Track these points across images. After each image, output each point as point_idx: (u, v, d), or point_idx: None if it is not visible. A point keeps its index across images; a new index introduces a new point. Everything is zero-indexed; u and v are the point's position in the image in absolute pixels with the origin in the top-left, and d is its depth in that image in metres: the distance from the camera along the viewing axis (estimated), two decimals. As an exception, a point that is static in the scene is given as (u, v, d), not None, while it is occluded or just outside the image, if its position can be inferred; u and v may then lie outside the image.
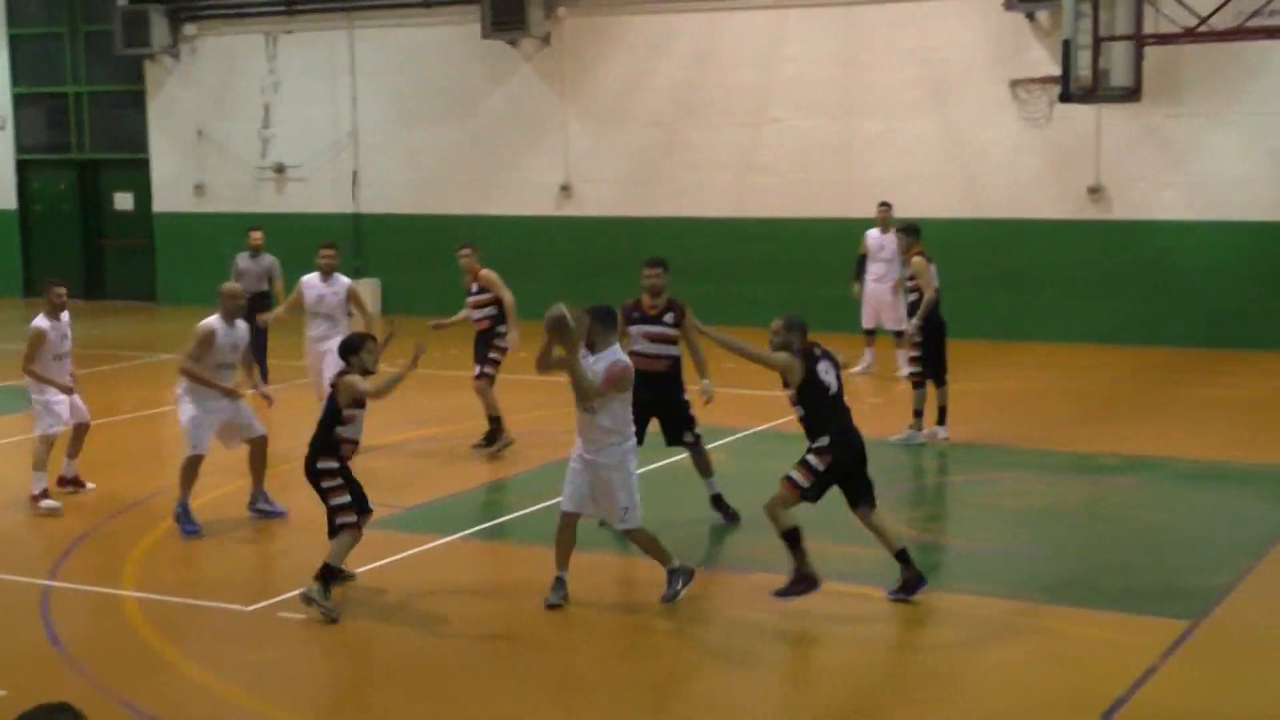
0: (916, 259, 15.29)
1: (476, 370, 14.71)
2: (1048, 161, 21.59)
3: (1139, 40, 16.65)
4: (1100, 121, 21.08)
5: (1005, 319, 22.05)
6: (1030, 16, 21.34)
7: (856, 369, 19.14)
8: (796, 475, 10.11)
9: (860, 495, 10.30)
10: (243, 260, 18.82)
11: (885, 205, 19.33)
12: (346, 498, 10.39)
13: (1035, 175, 21.76)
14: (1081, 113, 20.19)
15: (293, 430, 13.69)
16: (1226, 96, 20.59)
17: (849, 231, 21.81)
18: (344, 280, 14.87)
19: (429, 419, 16.35)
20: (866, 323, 19.29)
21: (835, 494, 13.99)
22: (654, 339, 12.02)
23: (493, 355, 14.71)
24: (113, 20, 27.30)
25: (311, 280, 14.92)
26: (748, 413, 16.79)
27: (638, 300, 12.19)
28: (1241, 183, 20.65)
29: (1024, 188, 21.86)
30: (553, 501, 12.26)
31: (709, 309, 22.73)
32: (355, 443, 10.53)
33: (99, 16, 28.31)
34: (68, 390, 13.19)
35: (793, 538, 10.11)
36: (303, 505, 11.86)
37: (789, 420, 16.23)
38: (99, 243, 29.47)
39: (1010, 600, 10.25)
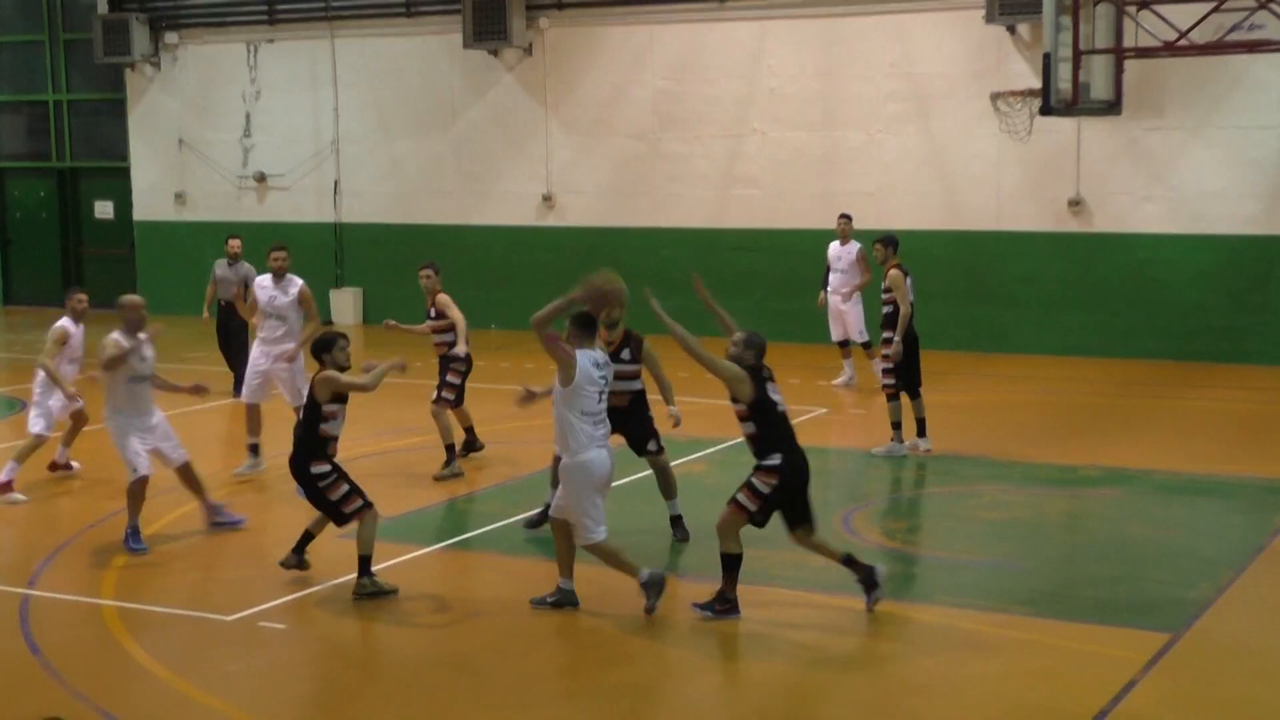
0: (893, 272, 15.27)
1: (434, 395, 14.48)
2: (1028, 174, 21.66)
3: (1119, 54, 16.71)
4: (1081, 134, 21.16)
5: (986, 331, 22.11)
6: (1011, 29, 21.41)
7: (838, 381, 19.17)
8: (743, 499, 10.15)
9: (801, 517, 10.33)
10: (220, 268, 18.81)
11: (845, 217, 19.36)
12: (346, 487, 10.66)
13: (1016, 188, 21.82)
14: (1062, 125, 20.27)
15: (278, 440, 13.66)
16: (1206, 110, 20.68)
17: (830, 243, 21.92)
18: (297, 281, 14.66)
19: (411, 429, 16.33)
20: (836, 336, 19.26)
21: (826, 500, 14.04)
22: (615, 376, 11.85)
23: (450, 379, 14.44)
24: (93, 28, 27.24)
25: (263, 281, 14.80)
26: (729, 423, 16.78)
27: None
28: (1221, 196, 20.74)
29: (1005, 200, 21.92)
30: (539, 510, 12.29)
31: (690, 320, 22.64)
32: (337, 439, 10.76)
33: (79, 25, 28.27)
34: (70, 398, 13.92)
35: (733, 563, 10.17)
36: (284, 516, 11.84)
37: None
38: (79, 251, 29.38)
39: (991, 612, 10.26)
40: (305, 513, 11.75)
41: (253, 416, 14.35)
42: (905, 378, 15.24)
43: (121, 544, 11.98)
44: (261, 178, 26.90)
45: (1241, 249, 20.75)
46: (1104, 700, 8.61)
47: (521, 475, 14.36)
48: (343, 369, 10.74)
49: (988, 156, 21.75)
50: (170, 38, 27.37)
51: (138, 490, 12.00)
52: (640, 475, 13.25)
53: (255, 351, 14.55)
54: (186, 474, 12.38)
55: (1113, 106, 17.06)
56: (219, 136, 27.25)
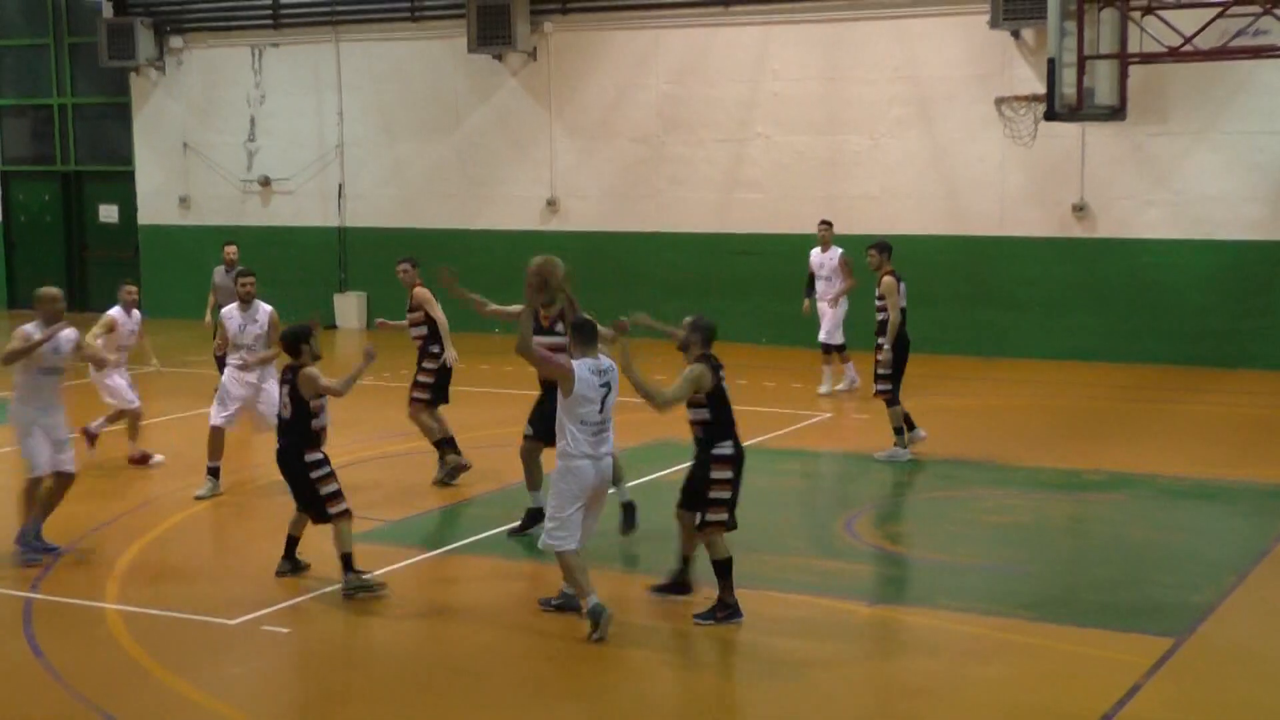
0: (887, 279, 15.30)
1: (410, 398, 14.18)
2: (1032, 179, 21.66)
3: (1124, 59, 16.71)
4: (1085, 140, 21.16)
5: (989, 335, 22.11)
6: (1016, 35, 21.42)
7: (840, 387, 19.09)
8: (714, 517, 10.16)
9: (687, 499, 10.35)
10: (219, 275, 18.71)
11: (826, 224, 19.33)
12: (335, 485, 10.82)
13: (1020, 193, 21.83)
14: (1066, 131, 20.26)
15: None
16: (1211, 115, 20.68)
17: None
18: (265, 309, 14.11)
19: (415, 431, 16.32)
20: (823, 338, 19.19)
21: (829, 505, 14.03)
22: (554, 350, 11.96)
23: (421, 379, 14.14)
24: (98, 32, 27.28)
25: (230, 312, 14.19)
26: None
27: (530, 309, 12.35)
28: (1225, 201, 20.74)
29: (1008, 205, 21.92)
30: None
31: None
32: (325, 428, 11.01)
33: (84, 28, 28.30)
34: (104, 365, 14.22)
35: (725, 569, 10.18)
36: (283, 520, 11.83)
37: (773, 436, 16.32)
38: (83, 255, 29.42)
39: (994, 617, 10.25)
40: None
41: (217, 441, 13.83)
42: (900, 381, 15.25)
43: (16, 547, 11.74)
44: (266, 181, 26.92)
45: (1245, 254, 20.75)
46: (1107, 705, 8.60)
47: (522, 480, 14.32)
48: (317, 358, 11.04)
49: (991, 161, 21.75)
50: (175, 41, 27.40)
51: (32, 489, 11.83)
52: (641, 481, 13.24)
53: (228, 380, 14.04)
54: (60, 487, 11.99)
55: (1117, 112, 17.06)
56: (223, 140, 27.28)
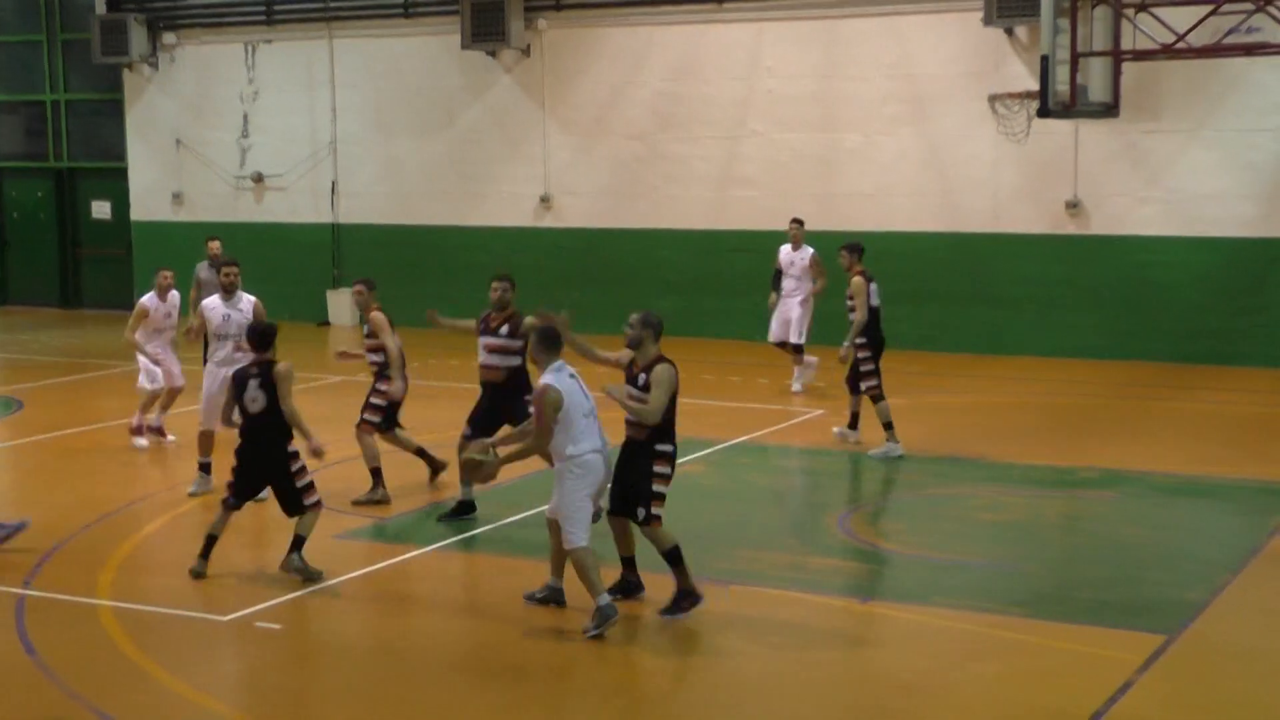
0: (856, 279, 15.45)
1: (360, 418, 13.77)
2: (1026, 176, 21.67)
3: (1117, 56, 16.72)
4: (1078, 137, 21.17)
5: (982, 333, 22.11)
6: (1009, 32, 21.42)
7: (796, 388, 18.97)
8: (659, 510, 10.18)
9: (623, 497, 10.36)
10: (203, 270, 18.45)
11: (797, 222, 19.22)
12: (310, 476, 11.07)
13: (1013, 190, 21.83)
14: (1060, 128, 20.27)
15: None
16: (1204, 113, 20.69)
17: (828, 244, 21.87)
18: (249, 298, 13.85)
19: (407, 429, 16.31)
20: (772, 336, 19.09)
21: (822, 502, 14.03)
22: (493, 350, 12.67)
23: (374, 401, 13.72)
24: (91, 29, 27.24)
25: (213, 303, 13.87)
26: (726, 425, 16.80)
27: (487, 313, 12.80)
28: (1218, 198, 20.75)
29: (1002, 202, 21.93)
30: (533, 512, 12.30)
31: (689, 321, 22.91)
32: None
33: (77, 25, 28.26)
34: (154, 360, 15.54)
35: (677, 556, 10.18)
36: (273, 520, 11.82)
37: (767, 432, 16.33)
38: (76, 252, 29.38)
39: (987, 614, 10.25)
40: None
41: (207, 441, 13.70)
42: (862, 377, 15.34)
43: None
44: (259, 178, 26.89)
45: (1239, 251, 20.76)
46: (1100, 702, 8.61)
47: (515, 477, 14.31)
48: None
49: (985, 158, 21.76)
50: (168, 38, 27.37)
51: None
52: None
53: (209, 376, 13.76)
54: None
55: (1110, 109, 17.06)
56: (216, 137, 27.24)
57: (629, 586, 10.58)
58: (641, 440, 10.19)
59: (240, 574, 11.37)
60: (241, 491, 11.20)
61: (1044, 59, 16.07)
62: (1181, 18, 16.96)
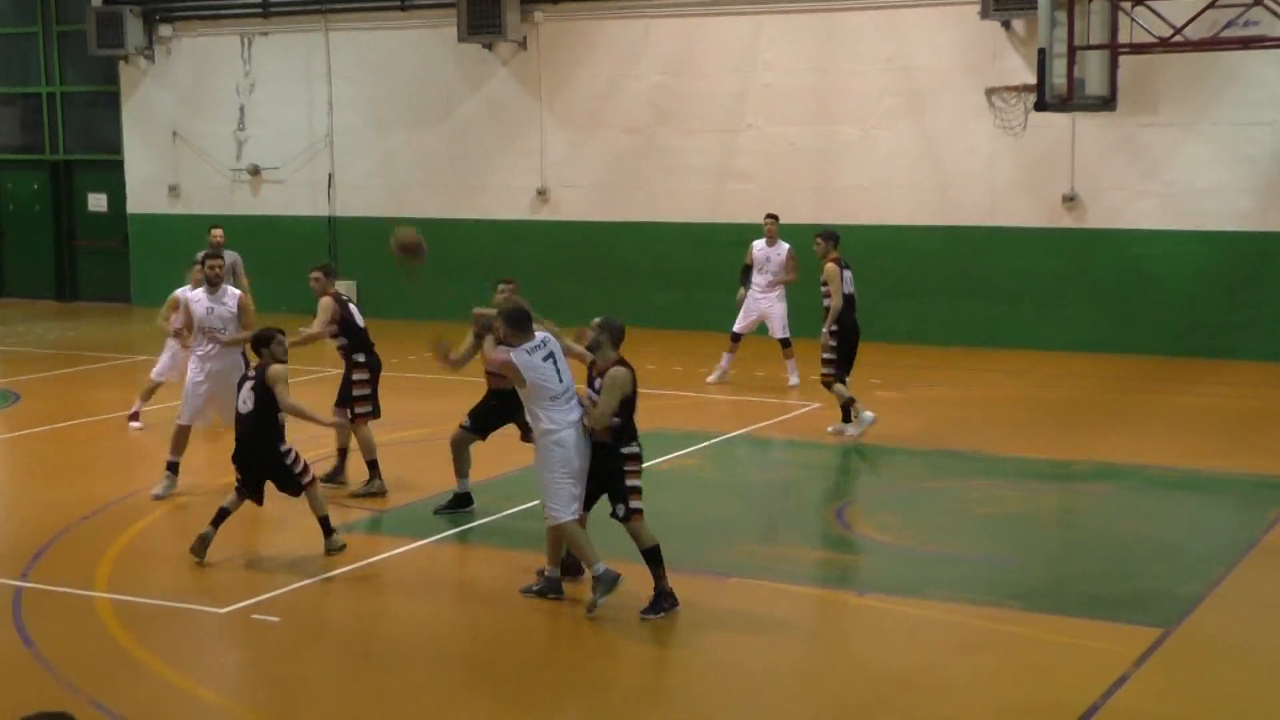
0: (829, 266, 15.57)
1: (349, 414, 13.49)
2: (1023, 169, 21.66)
3: (1114, 49, 16.73)
4: (1075, 130, 21.16)
5: (979, 326, 22.11)
6: (1006, 25, 21.42)
7: (710, 379, 18.98)
8: (638, 504, 10.20)
9: (596, 498, 10.39)
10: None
11: (772, 217, 19.06)
12: (304, 462, 11.41)
13: (1010, 183, 21.83)
14: (1057, 121, 20.26)
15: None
16: (1201, 106, 20.69)
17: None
18: (234, 291, 13.77)
19: (408, 422, 16.33)
20: (738, 326, 18.97)
21: (819, 494, 14.05)
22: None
23: (358, 392, 13.55)
24: (86, 21, 27.19)
25: (196, 295, 13.67)
26: (723, 418, 16.81)
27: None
28: (1215, 192, 20.75)
29: (999, 196, 21.93)
30: (531, 504, 12.29)
31: (685, 314, 22.91)
32: (284, 423, 11.46)
33: (73, 17, 28.21)
34: (185, 347, 14.49)
35: (654, 555, 10.17)
36: (277, 509, 11.84)
37: (766, 425, 16.34)
38: (73, 244, 29.34)
39: (983, 607, 10.27)
40: (290, 505, 11.77)
41: (182, 437, 13.49)
42: (846, 364, 15.53)
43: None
44: (255, 171, 26.87)
45: (1235, 245, 20.77)
46: (1095, 695, 8.62)
47: (516, 469, 14.33)
48: (279, 362, 11.40)
49: (982, 152, 21.76)
50: (164, 30, 27.33)
51: None
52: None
53: (193, 370, 13.62)
54: None
55: (1107, 102, 17.07)
56: (213, 129, 27.21)
57: (571, 568, 10.62)
58: (607, 443, 10.19)
59: (238, 566, 11.38)
60: (248, 486, 11.43)
61: (1041, 52, 16.08)
62: (1179, 11, 16.96)
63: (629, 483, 10.18)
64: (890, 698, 8.83)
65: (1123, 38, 16.86)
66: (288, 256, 26.18)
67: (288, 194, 26.70)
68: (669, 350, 20.80)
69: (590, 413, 10.11)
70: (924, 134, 22.26)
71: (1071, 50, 16.03)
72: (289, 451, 11.33)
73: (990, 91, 19.19)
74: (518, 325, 10.21)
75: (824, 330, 15.48)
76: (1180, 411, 17.51)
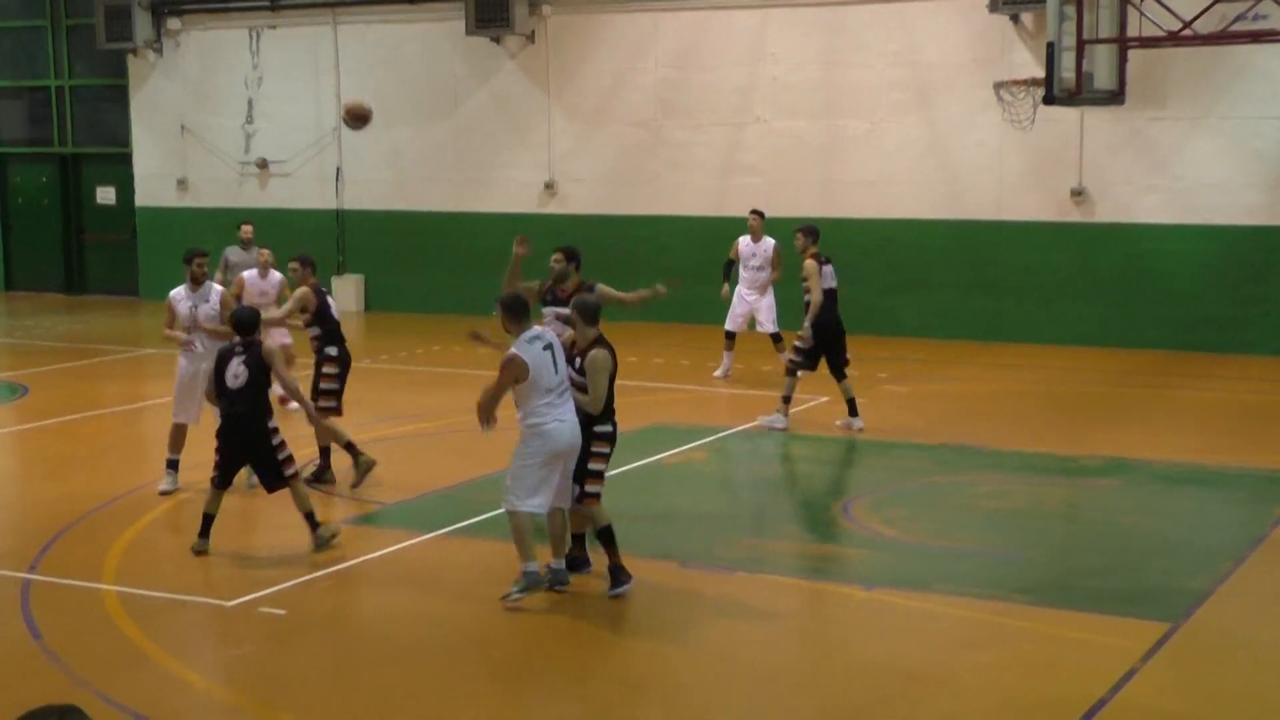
0: (808, 261, 15.66)
1: (316, 406, 13.24)
2: (1031, 164, 21.65)
3: (1123, 43, 16.70)
4: (1084, 124, 21.14)
5: (986, 320, 22.11)
6: (1014, 19, 21.39)
7: (717, 373, 19.02)
8: (593, 489, 10.31)
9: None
10: (234, 254, 18.43)
11: (757, 214, 19.02)
12: (289, 450, 11.41)
13: (1018, 177, 21.82)
14: (1065, 115, 20.25)
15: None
16: (1210, 100, 20.66)
17: (832, 232, 21.91)
18: (217, 288, 13.65)
19: (410, 415, 16.34)
20: (729, 324, 19.04)
21: (826, 489, 14.04)
22: (563, 319, 11.73)
23: (324, 386, 13.49)
24: (95, 14, 27.22)
25: (179, 293, 13.49)
26: (729, 412, 16.82)
27: (549, 284, 12.38)
28: (1224, 187, 20.73)
29: (1007, 190, 21.92)
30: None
31: (692, 308, 22.89)
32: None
33: (81, 10, 28.23)
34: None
35: (607, 535, 10.30)
36: (283, 503, 11.84)
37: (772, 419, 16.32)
38: (81, 237, 29.38)
39: (990, 601, 10.26)
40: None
41: (179, 435, 13.40)
42: (814, 360, 15.64)
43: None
44: (263, 164, 26.89)
45: (1243, 240, 20.75)
46: (1102, 690, 8.61)
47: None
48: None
49: (990, 146, 21.74)
50: (172, 23, 27.34)
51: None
52: (640, 463, 13.26)
53: (183, 368, 13.47)
54: None
55: (1116, 96, 17.05)
56: (221, 122, 27.24)
57: (576, 563, 10.70)
58: (580, 421, 10.26)
59: (244, 559, 11.39)
60: (227, 471, 11.40)
61: (1050, 46, 16.06)
62: (1188, 5, 16.94)
63: (591, 466, 10.26)
64: (896, 692, 8.83)
65: (1131, 31, 16.84)
66: (295, 250, 26.14)
67: (295, 187, 26.71)
68: (675, 344, 20.81)
69: (582, 402, 10.18)
70: (931, 128, 22.25)
71: (1080, 44, 16.01)
72: (276, 430, 11.38)
73: (998, 85, 19.18)
74: (514, 314, 10.18)
75: (805, 325, 15.54)
76: (1187, 406, 17.49)
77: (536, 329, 10.21)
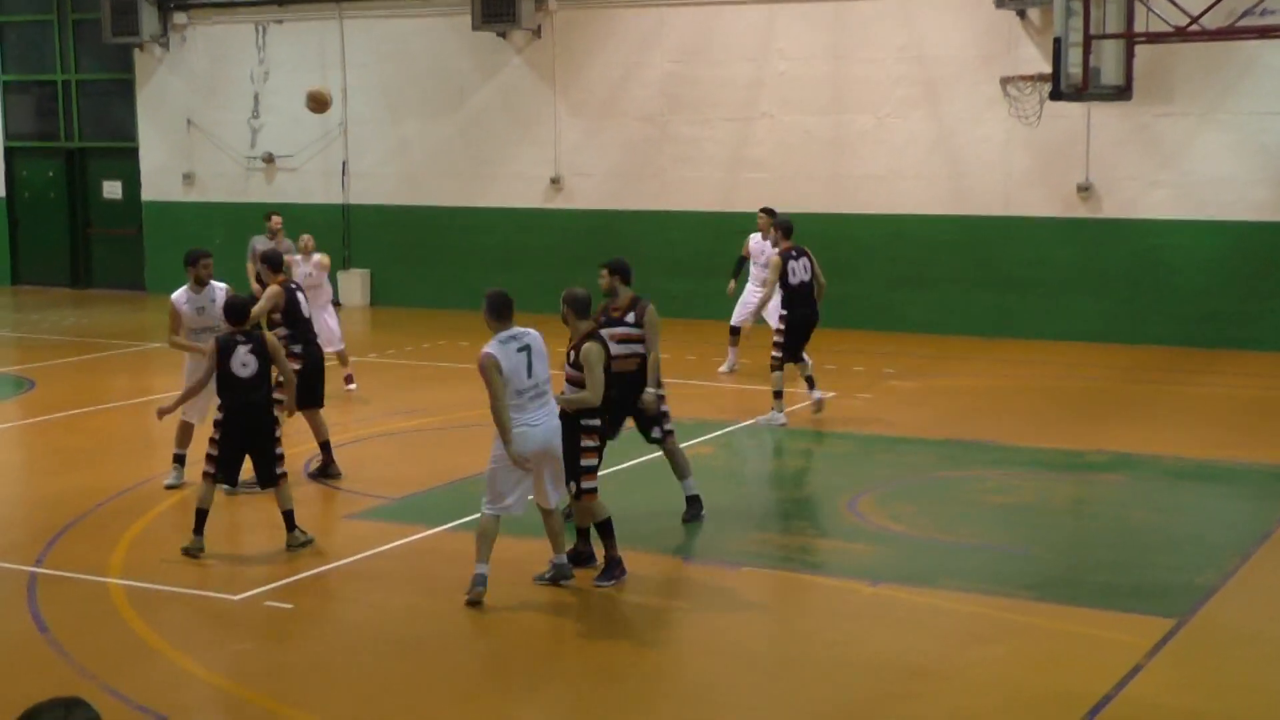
0: (774, 258, 15.99)
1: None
2: (1037, 159, 21.62)
3: (1130, 39, 16.68)
4: (1090, 120, 21.11)
5: (993, 316, 22.09)
6: (1021, 14, 21.36)
7: (722, 369, 19.01)
8: (589, 484, 10.39)
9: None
10: (260, 244, 18.34)
11: (767, 212, 18.91)
12: (282, 448, 11.41)
13: (1025, 173, 21.79)
14: (1072, 111, 20.22)
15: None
16: (1217, 96, 20.62)
17: (839, 227, 21.96)
18: (221, 288, 13.45)
19: (417, 410, 16.35)
20: (734, 320, 19.04)
21: (832, 484, 14.04)
22: (619, 340, 11.46)
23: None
24: (101, 8, 27.22)
25: (183, 295, 13.39)
26: (736, 407, 16.81)
27: (604, 304, 11.79)
28: (1230, 182, 20.69)
29: (1014, 185, 21.89)
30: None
31: (698, 303, 22.89)
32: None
33: (88, 4, 28.23)
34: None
35: (608, 528, 10.38)
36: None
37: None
38: (87, 231, 29.40)
39: (996, 597, 10.26)
40: (300, 494, 11.79)
41: (186, 432, 13.38)
42: (793, 353, 15.87)
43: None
44: (269, 159, 26.90)
45: (1250, 235, 20.71)
46: (1109, 685, 8.61)
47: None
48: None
49: (997, 141, 21.72)
50: (179, 18, 27.36)
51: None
52: (645, 459, 13.26)
53: (190, 367, 13.37)
54: None
55: (1123, 92, 17.02)
56: (227, 117, 27.24)
57: (580, 558, 10.71)
58: (569, 414, 10.28)
59: (251, 554, 11.41)
60: (226, 464, 11.26)
61: (1057, 41, 16.04)
62: (1195, 0, 16.90)
63: (583, 462, 10.29)
64: (902, 687, 8.83)
65: (1138, 27, 16.81)
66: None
67: (302, 182, 26.72)
68: (682, 339, 20.79)
69: (582, 399, 10.22)
70: (938, 123, 22.22)
71: (1087, 39, 15.99)
72: (278, 423, 11.46)
73: (1005, 81, 19.16)
74: (496, 311, 10.09)
75: (757, 313, 16.13)
76: (1194, 402, 17.47)
77: (516, 329, 10.08)
